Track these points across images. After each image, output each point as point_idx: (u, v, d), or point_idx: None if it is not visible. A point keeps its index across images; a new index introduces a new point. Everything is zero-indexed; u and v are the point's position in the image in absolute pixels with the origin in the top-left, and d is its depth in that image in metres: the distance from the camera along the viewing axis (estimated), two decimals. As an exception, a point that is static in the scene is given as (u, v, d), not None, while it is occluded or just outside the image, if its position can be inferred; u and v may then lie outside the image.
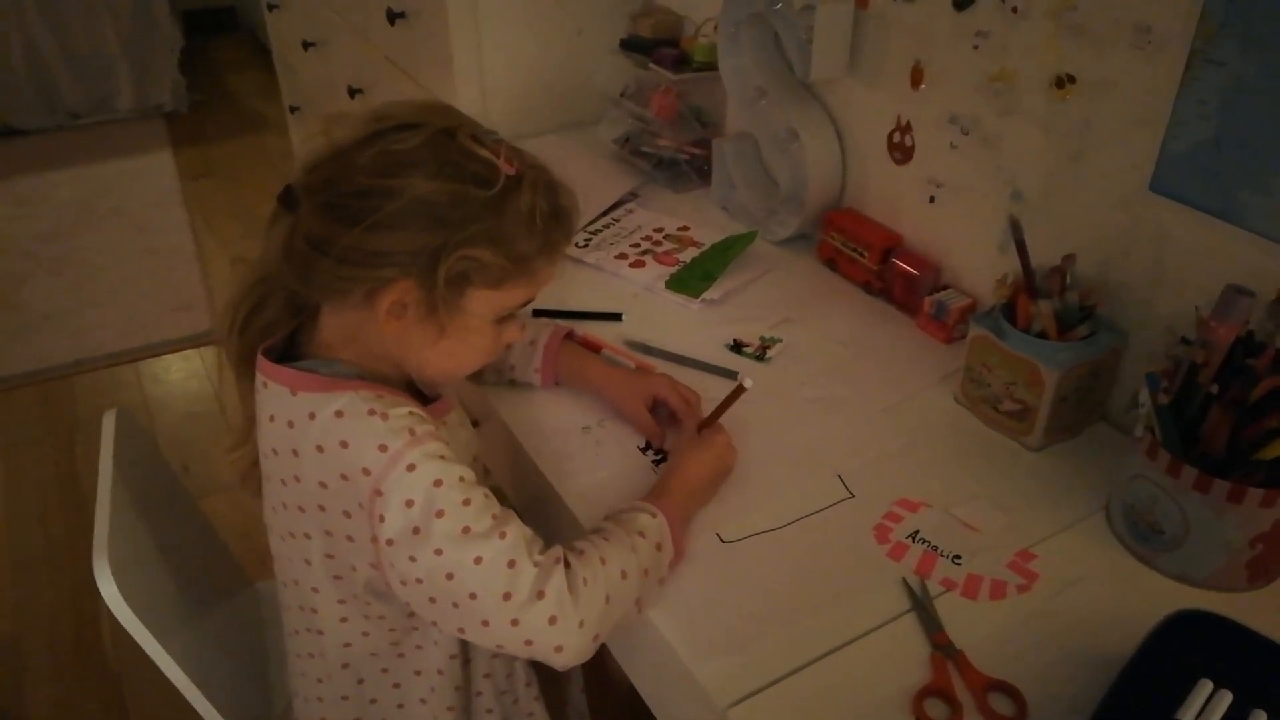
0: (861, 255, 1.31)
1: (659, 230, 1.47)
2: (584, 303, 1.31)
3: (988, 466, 1.04)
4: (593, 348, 1.20)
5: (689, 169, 1.59)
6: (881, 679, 0.82)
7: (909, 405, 1.13)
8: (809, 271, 1.39)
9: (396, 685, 0.97)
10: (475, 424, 1.27)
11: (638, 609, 0.87)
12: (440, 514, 0.79)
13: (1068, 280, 1.04)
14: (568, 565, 0.83)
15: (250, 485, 0.95)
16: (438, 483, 0.79)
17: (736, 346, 1.23)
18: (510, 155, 0.83)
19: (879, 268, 1.30)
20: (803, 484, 1.02)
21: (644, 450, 1.07)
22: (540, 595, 0.80)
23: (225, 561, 1.26)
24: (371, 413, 0.81)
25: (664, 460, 1.05)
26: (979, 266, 1.22)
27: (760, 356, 1.21)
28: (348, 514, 0.81)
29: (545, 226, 0.84)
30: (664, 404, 1.08)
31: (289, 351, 0.89)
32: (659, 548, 0.89)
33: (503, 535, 0.81)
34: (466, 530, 0.80)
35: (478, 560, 0.79)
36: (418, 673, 0.97)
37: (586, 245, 1.43)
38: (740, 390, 0.99)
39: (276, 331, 0.89)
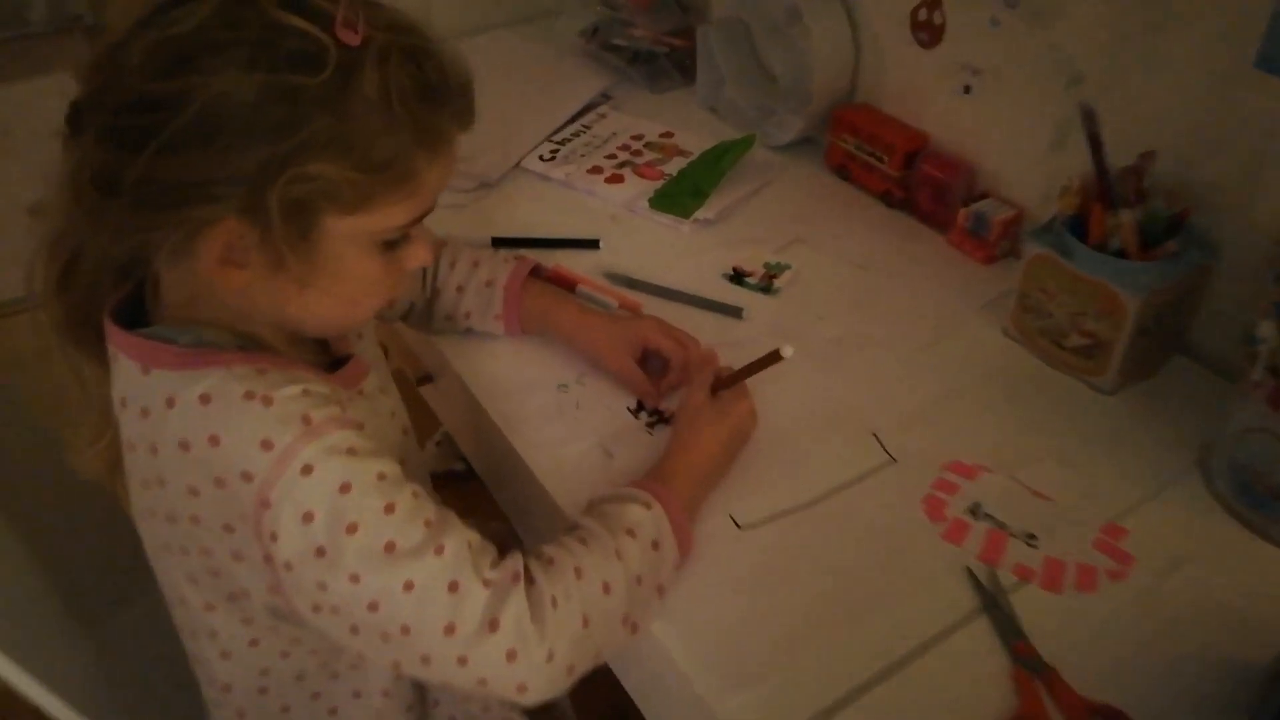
0: (880, 160, 1.10)
1: (638, 138, 1.25)
2: (552, 228, 1.09)
3: (1052, 416, 0.86)
4: (565, 284, 1.00)
5: (669, 64, 1.36)
6: (951, 708, 0.64)
7: (949, 342, 0.94)
8: (816, 182, 1.18)
9: (333, 711, 0.79)
10: (426, 380, 1.07)
11: (629, 629, 0.69)
12: (352, 528, 0.60)
13: (1145, 184, 0.84)
14: (530, 581, 0.65)
15: (123, 480, 0.75)
16: (345, 487, 0.60)
17: (737, 276, 1.02)
18: (348, 18, 0.59)
19: (901, 174, 1.09)
20: (830, 447, 0.83)
21: (635, 412, 0.87)
22: (493, 626, 0.62)
23: (127, 555, 1.05)
24: (249, 396, 0.60)
25: (659, 422, 0.86)
26: (1025, 170, 1.01)
27: (766, 288, 1.01)
28: (229, 528, 0.62)
29: (411, 111, 0.60)
30: (655, 353, 0.88)
31: (142, 313, 0.67)
32: (655, 547, 0.70)
33: (439, 550, 0.62)
34: (390, 547, 0.61)
35: (408, 586, 0.61)
36: (357, 694, 0.79)
37: (553, 158, 1.20)
38: (775, 358, 0.78)
39: (113, 290, 0.68)
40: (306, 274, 0.62)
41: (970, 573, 0.72)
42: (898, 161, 1.08)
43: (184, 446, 0.60)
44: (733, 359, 0.83)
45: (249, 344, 0.64)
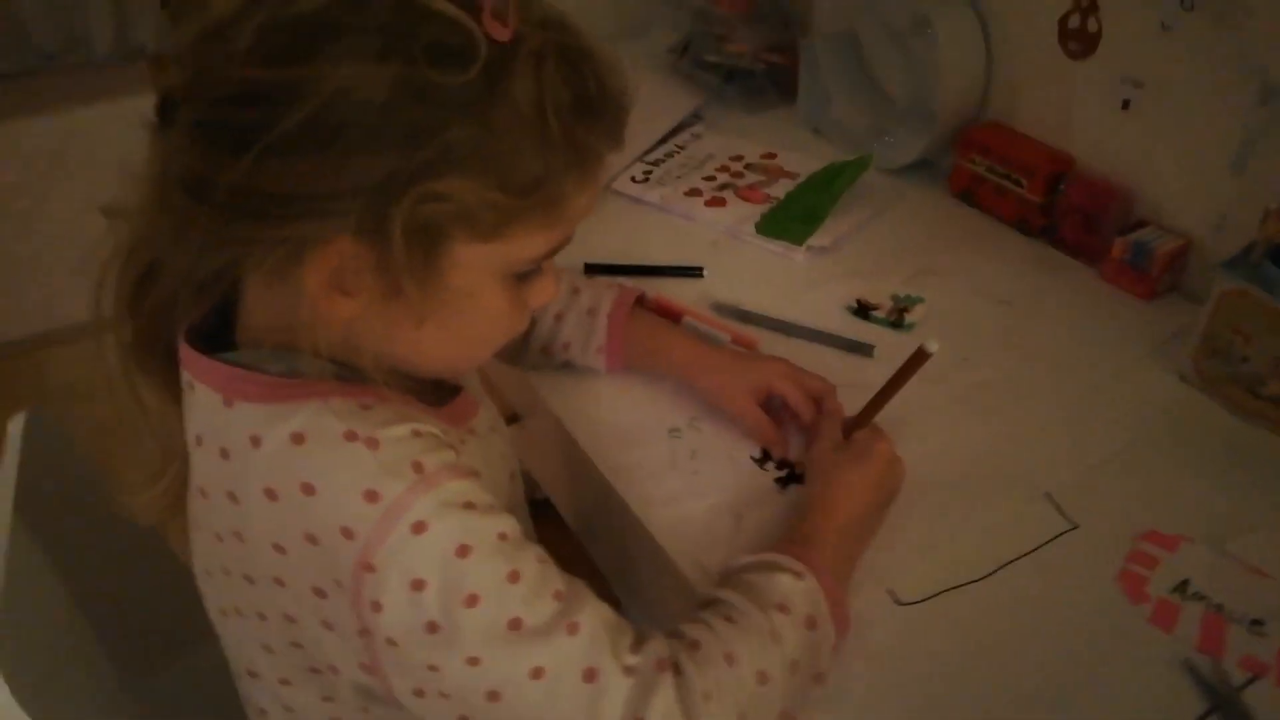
0: (1018, 183, 0.99)
1: (737, 159, 1.15)
2: (648, 254, 0.99)
3: (1255, 478, 0.73)
4: (671, 315, 0.89)
5: (766, 81, 1.26)
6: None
7: (1116, 389, 0.82)
8: (939, 208, 1.07)
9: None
10: (513, 420, 0.96)
11: None
12: (472, 600, 0.49)
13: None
14: (677, 671, 0.53)
15: (182, 529, 0.64)
16: (463, 550, 0.50)
17: (862, 310, 0.91)
18: (498, 8, 0.48)
19: (1044, 200, 0.98)
20: (996, 509, 0.71)
21: (760, 462, 0.76)
22: None
23: (177, 612, 0.94)
24: (351, 436, 0.50)
25: (790, 477, 0.74)
26: (1195, 195, 0.89)
27: (897, 323, 0.89)
28: (320, 593, 0.51)
29: (566, 125, 0.50)
30: (779, 397, 0.77)
31: (223, 337, 0.57)
32: (811, 625, 0.58)
33: (573, 629, 0.51)
34: (516, 624, 0.50)
35: (536, 673, 0.50)
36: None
37: (646, 179, 1.11)
38: (921, 359, 0.66)
39: (192, 308, 0.58)
40: (426, 307, 0.51)
41: (1190, 667, 0.60)
42: (1040, 185, 0.97)
43: (271, 495, 0.50)
44: (863, 402, 0.72)
45: (349, 375, 0.54)
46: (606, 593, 0.84)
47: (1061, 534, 0.69)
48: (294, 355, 0.53)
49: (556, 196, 0.51)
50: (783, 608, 0.58)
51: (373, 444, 0.50)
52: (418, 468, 0.50)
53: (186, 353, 0.56)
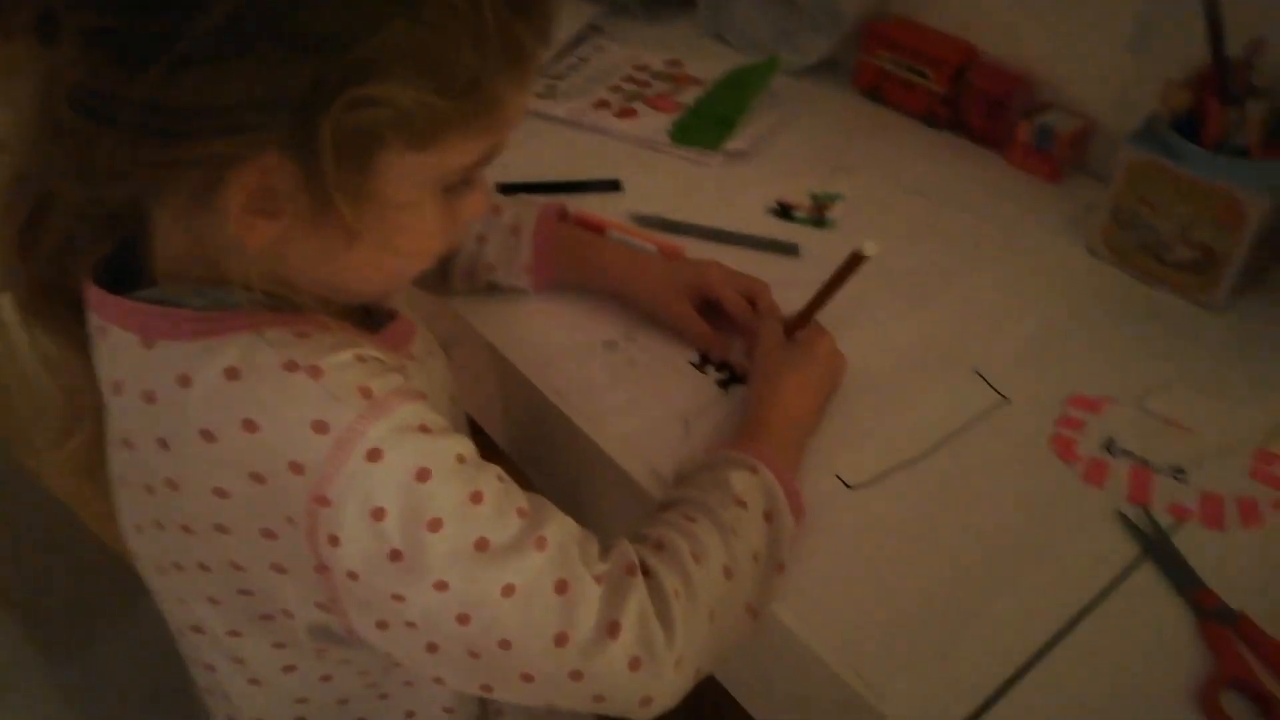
0: (923, 76, 1.00)
1: (643, 69, 1.12)
2: (562, 171, 0.97)
3: (1165, 339, 0.77)
4: (594, 230, 0.88)
5: (665, -11, 1.24)
6: (1136, 675, 0.55)
7: (1033, 268, 0.85)
8: (847, 106, 1.07)
9: (382, 733, 0.67)
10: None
11: (751, 617, 0.58)
12: (435, 524, 0.48)
13: (1252, 77, 0.76)
14: (646, 573, 0.54)
15: (101, 479, 0.60)
16: (423, 474, 0.48)
17: (783, 210, 0.92)
18: None
19: (949, 91, 0.99)
20: (931, 390, 0.73)
21: (700, 367, 0.76)
22: (613, 630, 0.51)
23: (102, 580, 0.90)
24: (291, 366, 0.48)
25: (732, 379, 0.75)
26: (1095, 76, 0.92)
27: (819, 221, 0.90)
28: (269, 533, 0.49)
29: (501, 20, 0.46)
30: (715, 302, 0.77)
31: (129, 276, 0.53)
32: (769, 518, 0.59)
33: (541, 544, 0.51)
34: (483, 544, 0.49)
35: (507, 590, 0.50)
36: (410, 715, 0.67)
37: (551, 94, 1.08)
38: (858, 261, 0.68)
39: (95, 246, 0.54)
40: (359, 225, 0.48)
41: (1123, 516, 0.63)
42: (944, 77, 0.98)
43: (208, 436, 0.47)
44: (796, 302, 0.73)
45: (274, 303, 0.51)
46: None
47: (994, 407, 0.72)
48: (219, 288, 0.50)
49: (492, 98, 0.48)
50: (741, 502, 0.58)
51: (315, 372, 0.48)
52: (366, 393, 0.48)
53: (95, 295, 0.52)
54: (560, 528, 0.53)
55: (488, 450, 0.52)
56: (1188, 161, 0.75)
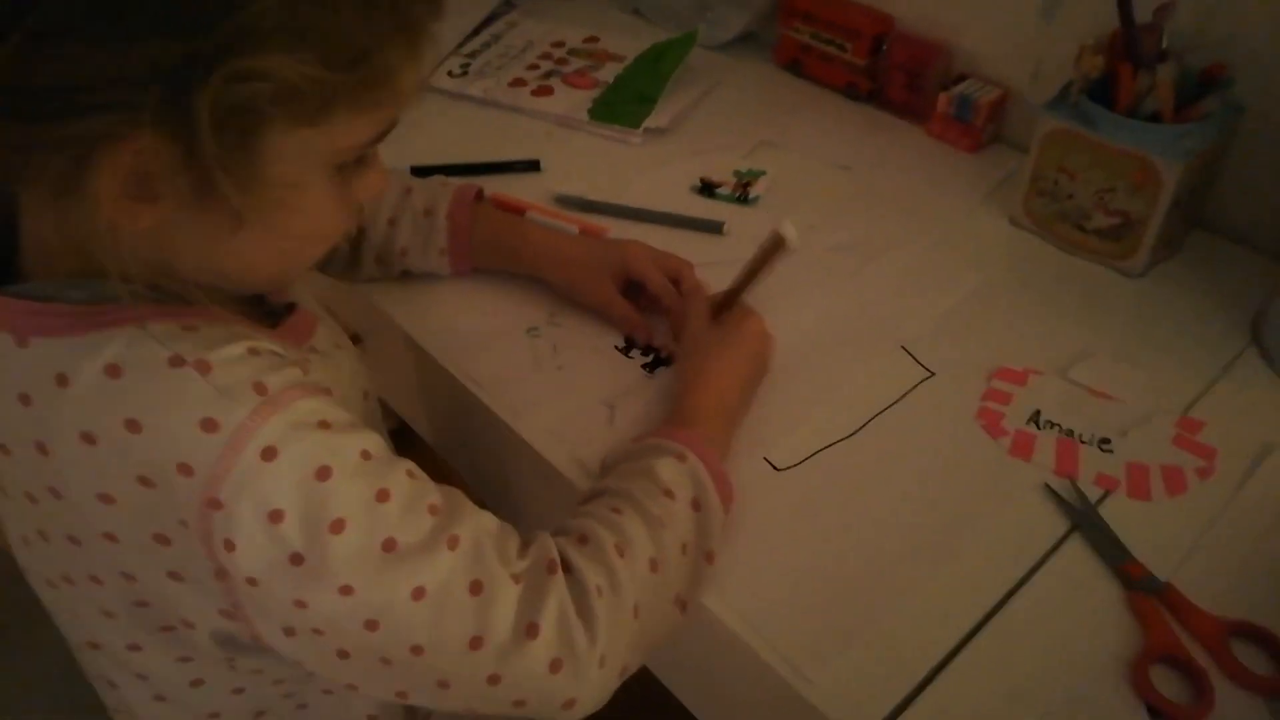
0: (841, 48, 0.99)
1: (559, 45, 1.09)
2: (479, 152, 0.93)
3: (1087, 307, 0.77)
4: (514, 211, 0.85)
5: (579, -38, 1.20)
6: (1068, 648, 0.55)
7: (955, 239, 0.84)
8: (767, 80, 1.05)
9: (303, 745, 0.64)
10: (355, 340, 0.90)
11: (680, 609, 0.56)
12: (338, 525, 0.45)
13: (1163, 41, 0.76)
14: (567, 569, 0.51)
15: None
16: (322, 472, 0.45)
17: (707, 188, 0.90)
18: None
19: (868, 62, 0.98)
20: (857, 368, 0.72)
21: (625, 351, 0.74)
22: (531, 631, 0.49)
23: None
24: (177, 362, 0.44)
25: (657, 361, 0.73)
26: (1009, 45, 0.91)
27: (742, 198, 0.88)
28: (163, 539, 0.46)
29: None
30: (639, 282, 0.75)
31: (3, 270, 0.49)
32: (696, 506, 0.57)
33: (453, 543, 0.49)
34: (390, 545, 0.47)
35: (418, 593, 0.47)
36: (333, 725, 0.64)
37: (465, 73, 1.04)
38: (779, 245, 0.66)
39: None
40: (245, 207, 0.45)
41: (1050, 489, 0.63)
42: (864, 48, 0.97)
43: (88, 439, 0.44)
44: (722, 280, 0.71)
45: (164, 297, 0.47)
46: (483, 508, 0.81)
47: (920, 382, 0.71)
48: (97, 280, 0.46)
49: (383, 71, 0.45)
50: (668, 492, 0.57)
51: (203, 367, 0.45)
52: (260, 389, 0.45)
53: None
54: (475, 524, 0.50)
55: (409, 444, 0.50)
56: (1102, 128, 0.75)
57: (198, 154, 0.42)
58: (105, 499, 0.45)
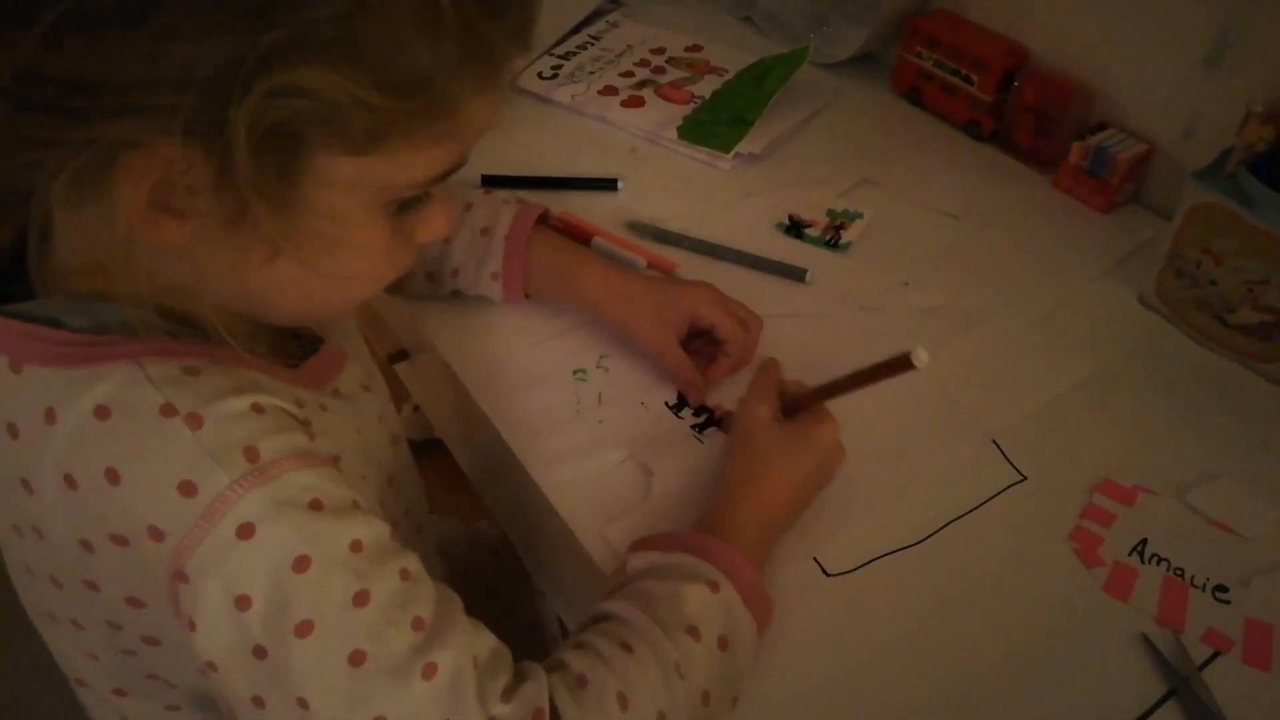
0: (967, 80, 0.89)
1: (658, 51, 1.02)
2: (557, 164, 0.87)
3: (1218, 416, 0.66)
4: (579, 236, 0.78)
5: (692, -38, 1.12)
6: None
7: (1072, 314, 0.74)
8: (881, 108, 0.96)
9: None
10: (400, 357, 0.85)
11: None
12: (305, 628, 0.40)
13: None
14: (556, 717, 0.45)
15: None
16: (300, 562, 0.40)
17: (794, 227, 0.81)
18: None
19: (995, 99, 0.87)
20: (936, 461, 0.63)
21: (675, 409, 0.67)
22: None
23: None
24: (168, 411, 0.40)
25: (709, 424, 0.66)
26: (1162, 94, 0.80)
27: (832, 242, 0.80)
28: (136, 602, 0.42)
29: (464, 14, 0.38)
30: (706, 331, 0.67)
31: (14, 282, 0.45)
32: (724, 645, 0.50)
33: (430, 671, 0.42)
34: (358, 659, 0.41)
35: None
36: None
37: (555, 76, 0.98)
38: (904, 366, 0.54)
39: None
40: (282, 237, 0.40)
41: (1148, 641, 0.53)
42: (992, 83, 0.87)
43: (70, 483, 0.40)
44: (794, 333, 0.63)
45: (180, 329, 0.43)
46: (513, 558, 0.76)
47: (1009, 486, 0.61)
48: (104, 304, 0.42)
49: (448, 102, 0.40)
50: (693, 631, 0.49)
51: (195, 421, 0.40)
52: (251, 454, 0.40)
53: None
54: (461, 650, 0.43)
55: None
56: (1262, 210, 0.63)
57: (232, 172, 0.37)
58: (86, 546, 0.42)
